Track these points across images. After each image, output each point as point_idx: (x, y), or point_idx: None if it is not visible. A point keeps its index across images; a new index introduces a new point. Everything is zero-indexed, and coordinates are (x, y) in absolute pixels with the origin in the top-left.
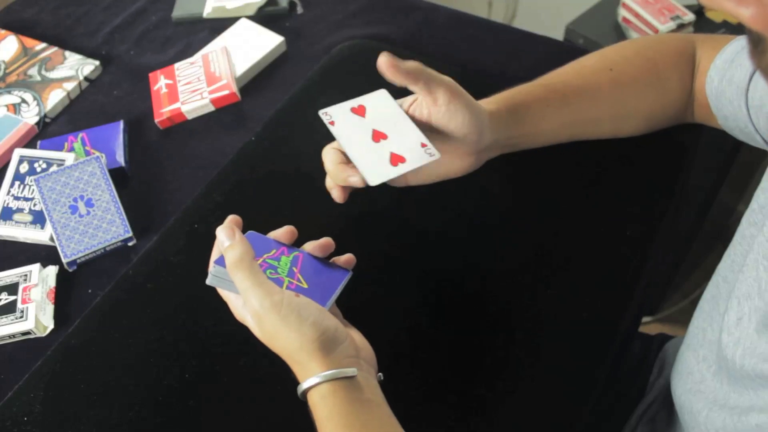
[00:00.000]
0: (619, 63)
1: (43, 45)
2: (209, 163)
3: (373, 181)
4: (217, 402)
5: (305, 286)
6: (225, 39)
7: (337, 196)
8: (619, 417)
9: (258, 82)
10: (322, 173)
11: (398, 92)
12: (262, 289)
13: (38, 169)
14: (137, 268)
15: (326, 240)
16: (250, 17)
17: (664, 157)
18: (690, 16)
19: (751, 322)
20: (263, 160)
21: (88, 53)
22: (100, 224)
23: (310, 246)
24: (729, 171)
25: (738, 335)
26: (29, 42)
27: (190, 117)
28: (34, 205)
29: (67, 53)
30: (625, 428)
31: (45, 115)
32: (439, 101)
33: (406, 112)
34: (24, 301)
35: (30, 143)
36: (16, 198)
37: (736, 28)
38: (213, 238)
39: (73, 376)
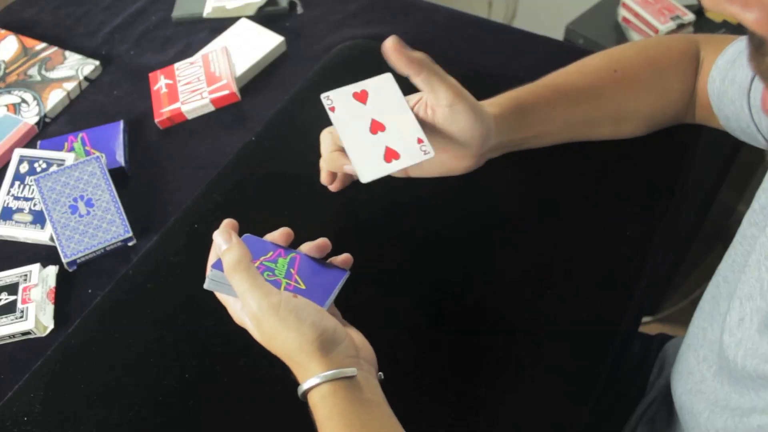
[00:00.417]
0: (623, 64)
1: (43, 45)
2: (209, 163)
3: (365, 177)
4: (217, 402)
5: (303, 287)
6: (225, 39)
7: (325, 178)
8: (619, 417)
9: (258, 82)
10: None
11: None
12: (260, 291)
13: (38, 169)
14: (137, 268)
15: (323, 240)
16: (250, 17)
17: (664, 157)
18: (690, 16)
19: (753, 323)
20: (263, 160)
21: (88, 53)
22: (100, 224)
23: (306, 247)
24: (729, 171)
25: (740, 336)
26: (29, 42)
27: (190, 117)
28: (34, 205)
29: (67, 53)
30: (625, 428)
31: (45, 115)
32: (441, 101)
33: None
34: (24, 301)
35: (30, 143)
36: (16, 198)
37: (736, 29)
38: (213, 238)
39: (73, 376)
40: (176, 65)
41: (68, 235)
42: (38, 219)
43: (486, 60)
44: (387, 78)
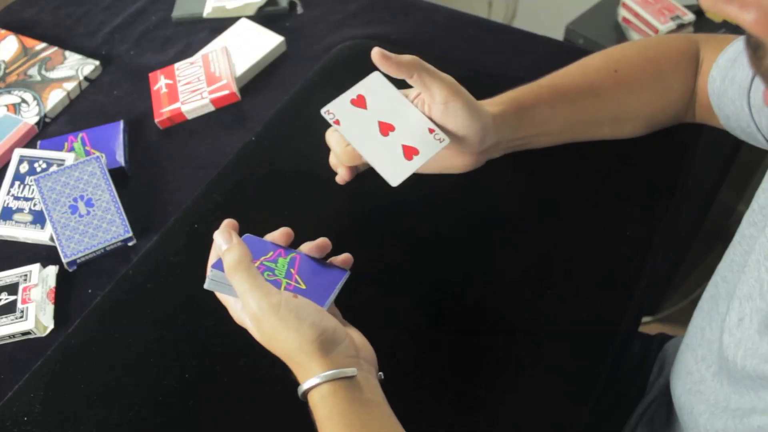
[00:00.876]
0: (623, 64)
1: (43, 45)
2: (209, 163)
3: (395, 182)
4: (217, 402)
5: (303, 287)
6: (225, 39)
7: (343, 174)
8: (619, 417)
9: (258, 82)
10: (323, 173)
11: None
12: (260, 291)
13: (38, 169)
14: (137, 268)
15: (323, 240)
16: (250, 17)
17: (664, 157)
18: (690, 16)
19: (753, 323)
20: (263, 160)
21: (88, 53)
22: (100, 224)
23: (306, 247)
24: (729, 171)
25: (739, 336)
26: (29, 42)
27: (190, 117)
28: (34, 205)
29: (67, 53)
30: (624, 428)
31: (45, 115)
32: (436, 98)
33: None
34: (24, 301)
35: (30, 143)
36: (16, 198)
37: (736, 28)
38: (213, 238)
39: (73, 376)
40: (176, 65)
41: (68, 235)
42: (38, 219)
43: (486, 60)
44: (377, 77)
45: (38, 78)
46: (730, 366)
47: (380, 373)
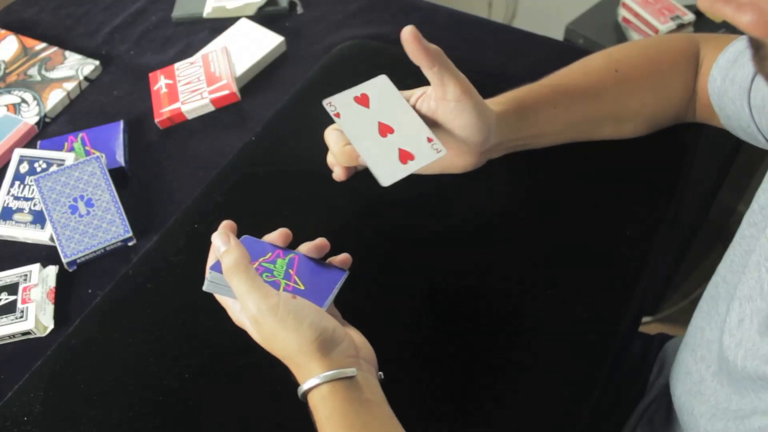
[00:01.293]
0: (623, 64)
1: (43, 45)
2: (209, 163)
3: (386, 182)
4: (217, 402)
5: (302, 287)
6: (225, 39)
7: (339, 173)
8: (618, 417)
9: (258, 82)
10: (323, 173)
11: (398, 81)
12: (259, 293)
13: (38, 169)
14: (137, 268)
15: (321, 241)
16: (250, 17)
17: (664, 157)
18: (690, 16)
19: (753, 324)
20: (263, 160)
21: (88, 53)
22: (100, 224)
23: (305, 247)
24: (729, 171)
25: (740, 337)
26: (29, 42)
27: (190, 117)
28: (34, 205)
29: (67, 53)
30: (624, 428)
31: (45, 115)
32: (448, 95)
33: (413, 107)
34: (24, 301)
35: (30, 143)
36: (16, 198)
37: (736, 28)
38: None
39: (73, 376)
40: (176, 65)
41: (68, 235)
42: (38, 219)
43: (486, 60)
44: (383, 80)
45: (38, 78)
46: (731, 367)
47: (380, 373)
